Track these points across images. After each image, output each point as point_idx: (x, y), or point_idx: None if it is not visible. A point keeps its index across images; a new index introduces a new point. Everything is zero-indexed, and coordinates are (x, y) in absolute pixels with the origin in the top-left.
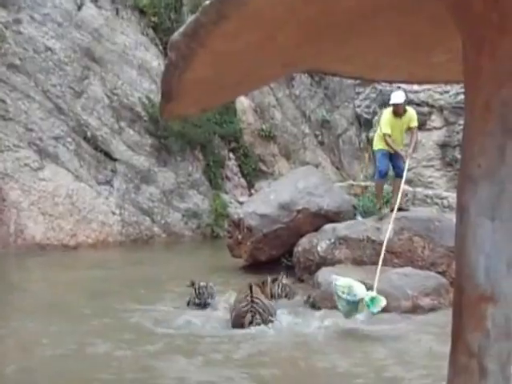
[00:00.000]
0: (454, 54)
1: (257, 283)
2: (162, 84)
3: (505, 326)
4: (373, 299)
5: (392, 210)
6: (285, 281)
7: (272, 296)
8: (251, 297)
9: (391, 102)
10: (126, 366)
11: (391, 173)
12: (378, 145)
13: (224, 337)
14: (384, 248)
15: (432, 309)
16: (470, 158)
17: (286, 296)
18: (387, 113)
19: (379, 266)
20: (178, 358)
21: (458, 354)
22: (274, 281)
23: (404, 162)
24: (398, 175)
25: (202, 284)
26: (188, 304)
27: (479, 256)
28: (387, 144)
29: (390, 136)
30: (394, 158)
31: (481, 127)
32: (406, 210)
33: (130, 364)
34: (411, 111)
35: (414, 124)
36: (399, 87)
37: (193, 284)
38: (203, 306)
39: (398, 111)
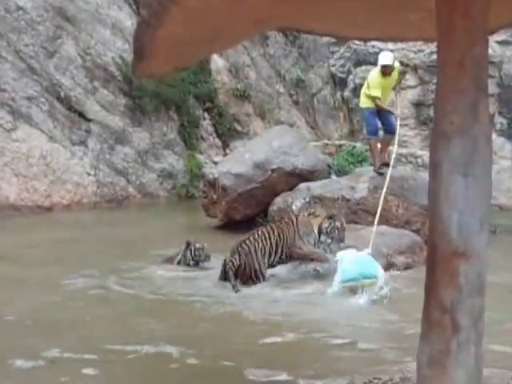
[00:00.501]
0: (428, 13)
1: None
2: (133, 42)
3: (477, 282)
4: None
5: (384, 165)
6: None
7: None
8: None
9: (381, 63)
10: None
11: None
12: (364, 103)
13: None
14: (380, 205)
15: (407, 267)
16: (443, 115)
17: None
18: (375, 74)
19: (375, 226)
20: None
21: (432, 309)
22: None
23: (396, 119)
24: (388, 132)
25: (197, 246)
26: (179, 263)
27: (452, 213)
28: (377, 106)
29: (379, 99)
30: (382, 115)
31: (454, 85)
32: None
33: (105, 323)
34: (396, 68)
35: (399, 82)
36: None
37: (188, 245)
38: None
39: (387, 72)
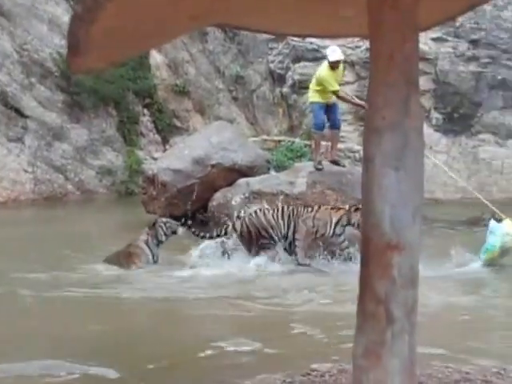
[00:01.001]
0: (361, 8)
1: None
2: (68, 37)
3: (410, 274)
4: None
5: (333, 162)
6: None
7: None
8: None
9: (332, 59)
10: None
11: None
12: (313, 97)
13: None
14: None
15: (346, 259)
16: (375, 110)
17: None
18: (327, 69)
19: None
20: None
21: (366, 301)
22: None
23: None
24: (334, 127)
25: (164, 220)
26: (146, 243)
27: (385, 206)
28: (343, 99)
29: (338, 91)
30: (329, 110)
31: (385, 80)
32: (343, 166)
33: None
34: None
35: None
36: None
37: (154, 223)
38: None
39: (336, 66)
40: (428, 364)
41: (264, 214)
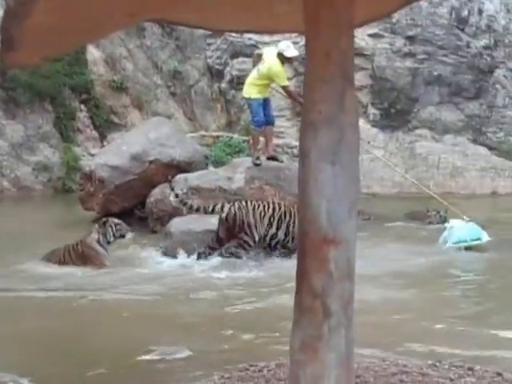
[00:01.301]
0: (297, 5)
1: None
2: (1, 32)
3: (346, 268)
4: None
5: (271, 158)
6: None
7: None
8: None
9: (288, 55)
10: None
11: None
12: (252, 93)
13: None
14: None
15: (284, 255)
16: (311, 104)
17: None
18: (278, 64)
19: None
20: None
21: (303, 295)
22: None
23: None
24: (269, 123)
25: (116, 221)
26: (98, 242)
27: (321, 200)
28: (290, 95)
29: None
30: (265, 105)
31: (321, 75)
32: (281, 161)
33: None
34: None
35: None
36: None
37: (105, 223)
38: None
39: (288, 61)
40: (365, 357)
41: (253, 208)
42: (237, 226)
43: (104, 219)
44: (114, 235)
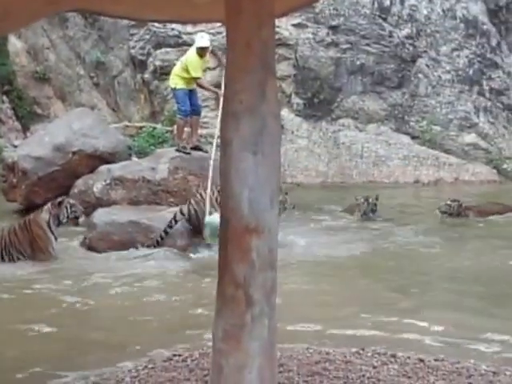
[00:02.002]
0: None
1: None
2: None
3: (269, 257)
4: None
5: (195, 148)
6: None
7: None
8: None
9: (198, 46)
10: None
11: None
12: (178, 83)
13: None
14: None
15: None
16: (233, 94)
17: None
18: (194, 56)
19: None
20: None
21: (225, 285)
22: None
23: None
24: (196, 113)
25: (71, 201)
26: (48, 224)
27: (243, 189)
28: (202, 86)
29: (200, 79)
30: (191, 95)
31: (242, 65)
32: (204, 151)
33: None
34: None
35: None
36: (202, 31)
37: (60, 203)
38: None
39: (204, 53)
40: (288, 346)
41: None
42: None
43: (60, 199)
44: (68, 216)
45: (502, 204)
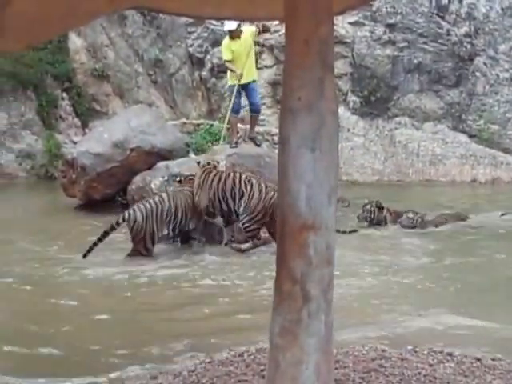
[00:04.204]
0: None
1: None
2: None
3: (326, 253)
4: None
5: (251, 139)
6: None
7: None
8: None
9: (225, 29)
10: None
11: None
12: (229, 81)
13: None
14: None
15: (265, 242)
16: (291, 91)
17: None
18: (225, 39)
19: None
20: None
21: (282, 280)
22: None
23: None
24: (253, 111)
25: None
26: None
27: (300, 186)
28: (230, 69)
29: (229, 61)
30: (248, 93)
31: (300, 62)
32: (259, 145)
33: None
34: (247, 29)
35: (251, 40)
36: None
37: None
38: None
39: (234, 35)
40: (345, 342)
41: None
42: None
43: None
44: None
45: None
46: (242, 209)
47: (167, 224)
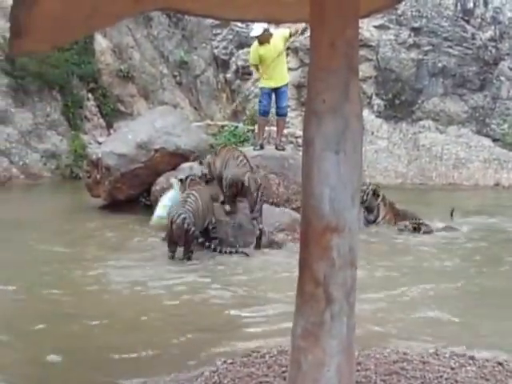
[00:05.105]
0: None
1: None
2: (10, 19)
3: (349, 256)
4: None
5: (276, 147)
6: None
7: None
8: None
9: (251, 35)
10: None
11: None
12: (260, 83)
13: None
14: None
15: (286, 244)
16: (315, 94)
17: None
18: (254, 44)
19: None
20: None
21: (305, 282)
22: None
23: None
24: (279, 114)
25: None
26: None
27: (324, 188)
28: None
29: (255, 65)
30: (276, 96)
31: (326, 65)
32: (282, 149)
33: None
34: (277, 33)
35: (282, 45)
36: None
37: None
38: None
39: (262, 40)
40: (367, 344)
41: None
42: None
43: None
44: None
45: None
46: None
47: (202, 221)
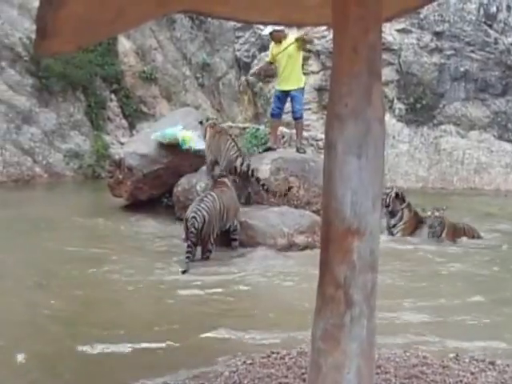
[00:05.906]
0: None
1: None
2: (36, 20)
3: (370, 259)
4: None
5: (297, 151)
6: None
7: None
8: None
9: (263, 33)
10: None
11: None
12: (275, 86)
13: None
14: None
15: (306, 246)
16: (338, 97)
17: None
18: (272, 43)
19: None
20: None
21: (326, 285)
22: None
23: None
24: (294, 118)
25: None
26: None
27: (346, 191)
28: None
29: (270, 63)
30: (292, 99)
31: (348, 69)
32: (303, 152)
33: None
34: (290, 37)
35: (292, 48)
36: None
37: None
38: None
39: (275, 39)
40: (387, 348)
41: None
42: None
43: None
44: None
45: None
46: None
47: (220, 222)
